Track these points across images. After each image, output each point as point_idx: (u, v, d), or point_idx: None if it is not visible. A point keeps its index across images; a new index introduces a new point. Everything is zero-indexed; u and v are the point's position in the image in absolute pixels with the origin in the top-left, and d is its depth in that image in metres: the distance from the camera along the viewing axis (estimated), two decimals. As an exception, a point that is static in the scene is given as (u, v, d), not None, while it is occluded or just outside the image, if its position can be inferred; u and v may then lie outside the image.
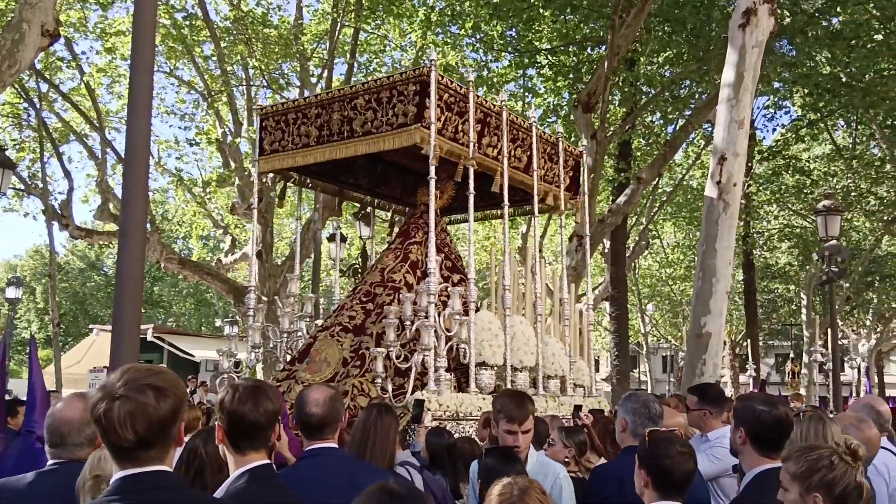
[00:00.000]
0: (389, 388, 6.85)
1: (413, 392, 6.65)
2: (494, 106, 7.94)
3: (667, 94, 17.92)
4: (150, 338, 22.01)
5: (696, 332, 10.01)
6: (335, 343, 7.61)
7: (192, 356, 23.28)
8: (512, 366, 7.58)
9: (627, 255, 20.83)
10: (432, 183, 7.07)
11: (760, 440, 3.23)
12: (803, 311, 29.80)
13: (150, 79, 4.77)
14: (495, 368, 7.38)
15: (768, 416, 3.23)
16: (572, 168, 9.39)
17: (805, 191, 24.54)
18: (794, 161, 23.09)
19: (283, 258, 20.27)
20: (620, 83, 17.45)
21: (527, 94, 19.36)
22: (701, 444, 4.54)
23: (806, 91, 18.18)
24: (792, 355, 27.24)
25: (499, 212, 10.08)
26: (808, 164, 24.69)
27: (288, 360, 8.17)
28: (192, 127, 21.34)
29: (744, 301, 27.06)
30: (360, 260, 16.59)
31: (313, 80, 18.41)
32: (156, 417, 2.04)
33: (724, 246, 9.99)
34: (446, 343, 6.94)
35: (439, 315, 6.92)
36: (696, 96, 18.25)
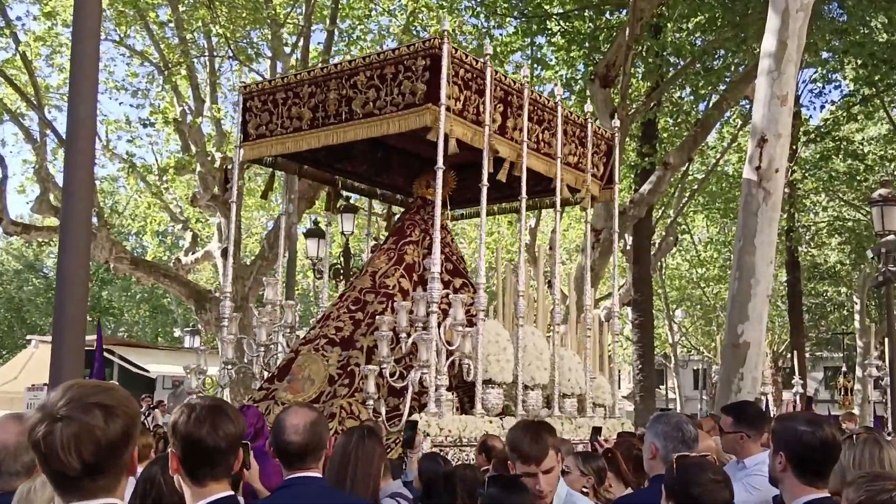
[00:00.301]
0: (382, 410, 6.90)
1: (410, 415, 6.69)
2: (515, 83, 7.97)
3: (698, 65, 17.94)
4: (97, 350, 21.97)
5: (733, 341, 10.04)
6: (320, 358, 7.66)
7: (147, 371, 23.26)
8: (523, 383, 7.61)
9: (652, 252, 20.86)
10: (440, 174, 7.08)
11: (803, 466, 3.24)
12: (856, 317, 29.85)
13: (96, 49, 4.78)
14: (503, 387, 7.42)
15: (812, 438, 3.22)
16: (605, 154, 9.46)
17: (858, 178, 24.56)
18: (845, 143, 23.13)
19: (253, 257, 20.27)
20: (644, 53, 17.46)
21: (535, 66, 19.36)
22: (737, 471, 4.56)
23: (859, 62, 18.20)
24: (844, 368, 27.26)
25: (508, 205, 10.22)
26: (861, 146, 24.72)
27: (266, 377, 8.20)
28: (146, 105, 21.25)
29: (787, 306, 27.09)
30: (342, 259, 16.59)
31: (287, 50, 18.39)
32: (104, 441, 2.04)
33: (765, 242, 10.01)
34: (447, 358, 6.97)
35: (439, 326, 6.96)
36: (732, 68, 18.27)
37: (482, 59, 7.52)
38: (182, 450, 2.65)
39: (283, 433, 3.28)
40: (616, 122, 10.13)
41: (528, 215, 20.61)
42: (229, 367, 8.31)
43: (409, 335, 7.05)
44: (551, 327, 8.48)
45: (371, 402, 6.84)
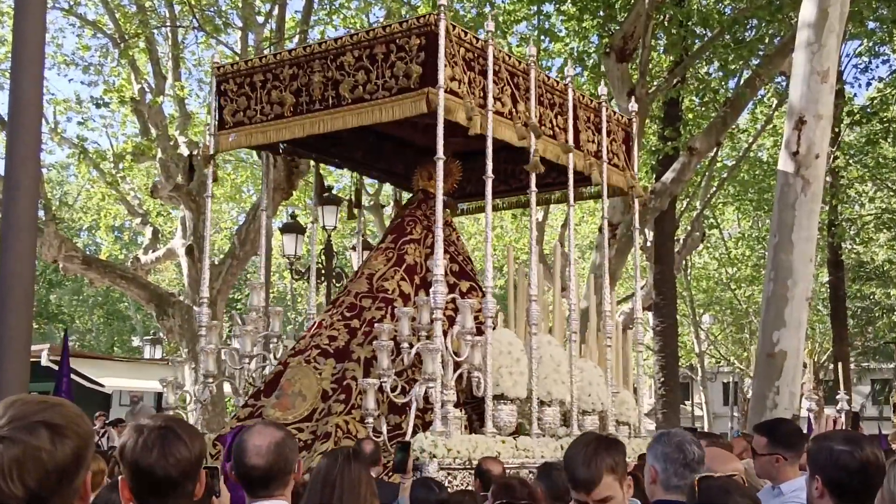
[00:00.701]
0: (384, 428, 7.04)
1: (414, 434, 6.81)
2: (521, 63, 8.14)
3: (727, 37, 17.95)
4: (44, 362, 21.95)
5: (768, 350, 10.08)
6: (312, 371, 7.81)
7: (102, 386, 23.22)
8: (538, 399, 7.75)
9: (676, 250, 20.90)
10: (440, 164, 7.21)
11: (842, 490, 3.27)
12: (907, 322, 29.91)
13: (43, 18, 4.77)
14: (517, 402, 7.53)
15: (850, 459, 3.26)
16: (623, 141, 9.69)
17: (910, 164, 24.60)
18: (894, 125, 23.16)
19: (222, 255, 20.27)
20: (666, 23, 17.47)
21: (543, 37, 19.37)
22: (772, 498, 4.59)
23: (911, 33, 18.23)
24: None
25: (515, 198, 10.49)
26: (913, 128, 24.77)
27: (251, 393, 8.35)
28: (100, 82, 21.22)
29: (829, 310, 27.15)
30: (323, 258, 16.60)
31: (260, 19, 18.38)
32: (52, 465, 2.04)
33: (803, 237, 10.05)
34: (455, 371, 7.07)
35: (445, 335, 7.06)
36: (767, 40, 18.29)
37: (483, 37, 7.63)
38: (131, 478, 2.67)
39: (245, 456, 3.28)
40: (633, 104, 10.17)
41: (538, 209, 20.67)
42: (210, 381, 8.42)
43: (411, 345, 7.20)
44: (567, 335, 8.59)
45: (371, 419, 6.95)
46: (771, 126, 23.29)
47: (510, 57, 8.08)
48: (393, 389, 7.06)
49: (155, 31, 18.80)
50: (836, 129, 20.97)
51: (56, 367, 22.76)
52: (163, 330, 19.36)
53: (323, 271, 16.36)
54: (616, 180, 9.36)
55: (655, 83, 17.97)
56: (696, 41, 18.27)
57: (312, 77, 7.74)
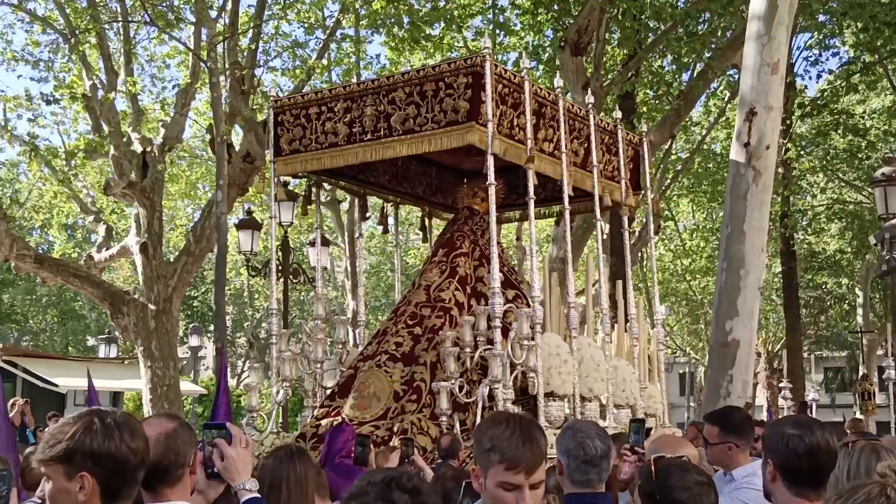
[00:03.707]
0: (457, 425, 7.82)
1: None
2: (550, 94, 8.86)
3: (680, 30, 18.08)
4: (-3, 362, 21.67)
5: (721, 340, 10.16)
6: (383, 375, 8.60)
7: (56, 385, 22.93)
8: (581, 395, 8.44)
9: (632, 242, 21.01)
10: (492, 190, 8.01)
11: (793, 475, 3.30)
12: (859, 311, 30.37)
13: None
14: (564, 399, 8.26)
15: (800, 444, 3.29)
16: (631, 159, 10.25)
17: (860, 155, 24.94)
18: (844, 117, 23.44)
19: (177, 252, 20.09)
20: (620, 16, 17.56)
21: (498, 32, 19.41)
22: (725, 484, 4.63)
23: (859, 25, 18.47)
24: (864, 371, 27.57)
25: (542, 210, 11.30)
26: (862, 120, 25.09)
27: (326, 395, 9.19)
28: (50, 78, 20.89)
29: (782, 300, 27.48)
30: (280, 254, 16.51)
31: (212, 14, 18.20)
32: None
33: (755, 228, 10.13)
34: (512, 372, 7.83)
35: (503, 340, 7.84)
36: (719, 33, 18.44)
37: (520, 73, 8.36)
38: (104, 473, 2.58)
39: None
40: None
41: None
42: (286, 384, 9.26)
43: (471, 350, 8.05)
44: (597, 335, 9.42)
45: (444, 418, 7.80)
46: (724, 118, 23.48)
47: (541, 89, 8.75)
48: (460, 389, 7.86)
49: (106, 26, 18.56)
50: (788, 121, 21.19)
51: (9, 368, 22.50)
52: (117, 328, 19.15)
53: (280, 267, 16.28)
54: (618, 196, 10.01)
55: (610, 76, 18.07)
56: (650, 34, 18.38)
57: (365, 110, 8.38)
